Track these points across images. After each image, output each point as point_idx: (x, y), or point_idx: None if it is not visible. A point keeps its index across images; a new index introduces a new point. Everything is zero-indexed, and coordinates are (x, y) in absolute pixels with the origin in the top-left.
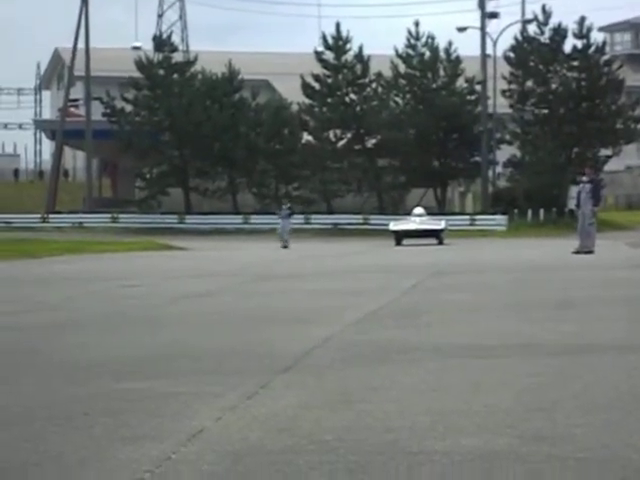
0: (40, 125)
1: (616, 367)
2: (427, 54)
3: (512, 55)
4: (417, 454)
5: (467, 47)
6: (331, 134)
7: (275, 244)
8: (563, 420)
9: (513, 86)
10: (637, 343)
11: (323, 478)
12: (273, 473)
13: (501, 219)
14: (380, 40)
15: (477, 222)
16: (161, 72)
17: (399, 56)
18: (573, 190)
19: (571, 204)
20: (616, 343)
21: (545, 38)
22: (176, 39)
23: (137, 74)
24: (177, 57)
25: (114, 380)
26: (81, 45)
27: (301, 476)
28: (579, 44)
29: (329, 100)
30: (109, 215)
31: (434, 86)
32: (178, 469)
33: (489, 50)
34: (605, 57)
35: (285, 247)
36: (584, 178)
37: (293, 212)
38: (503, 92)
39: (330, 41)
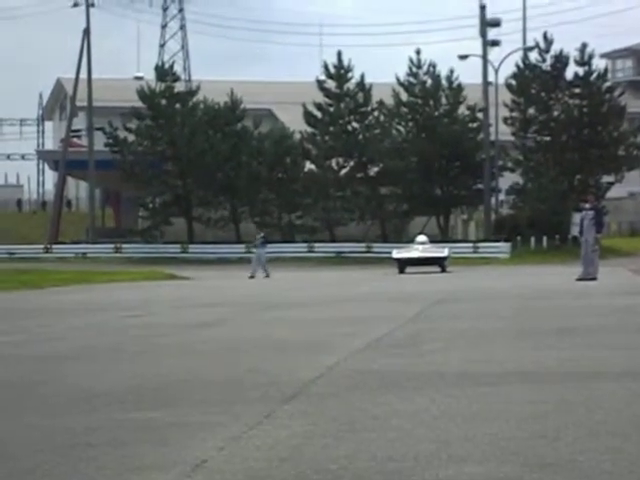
0: (43, 156)
1: (618, 394)
2: (429, 82)
3: (514, 82)
4: None
5: (469, 75)
6: (333, 162)
7: (280, 272)
8: (566, 447)
9: (515, 113)
10: (638, 370)
11: None
12: None
13: (504, 246)
14: (382, 68)
15: (480, 249)
16: (163, 102)
17: (401, 84)
18: (576, 217)
19: (574, 231)
20: (618, 370)
21: (547, 65)
22: (178, 69)
23: (139, 104)
24: (179, 87)
25: (118, 410)
26: (83, 75)
27: None
28: (581, 71)
29: (331, 128)
30: (112, 245)
31: (436, 114)
32: None
33: (491, 78)
34: (607, 84)
35: (254, 277)
36: (587, 205)
37: (267, 241)
38: (505, 119)
39: (332, 70)
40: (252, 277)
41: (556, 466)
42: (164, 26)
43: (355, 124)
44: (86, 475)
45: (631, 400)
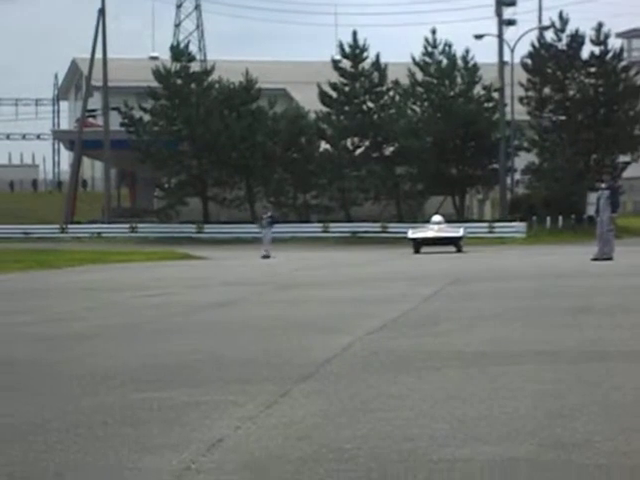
0: (58, 136)
1: (635, 374)
2: (444, 62)
3: (529, 62)
4: (437, 462)
5: (484, 54)
6: (348, 142)
7: (295, 252)
8: (583, 427)
9: (530, 93)
10: None
11: None
12: None
13: (520, 226)
14: (397, 48)
15: (496, 229)
16: (179, 82)
17: (416, 64)
18: (591, 197)
19: (590, 211)
20: (634, 350)
21: (562, 45)
22: (193, 48)
23: (155, 84)
24: (194, 66)
25: (134, 389)
26: (99, 55)
27: None
28: (596, 50)
29: (346, 108)
30: (128, 225)
31: (451, 94)
32: (198, 479)
33: (506, 57)
34: (623, 63)
35: (266, 257)
36: (603, 185)
37: (275, 221)
38: (520, 99)
39: (347, 49)
40: (267, 257)
41: (572, 446)
42: (179, 6)
43: (370, 104)
44: (101, 454)
45: None
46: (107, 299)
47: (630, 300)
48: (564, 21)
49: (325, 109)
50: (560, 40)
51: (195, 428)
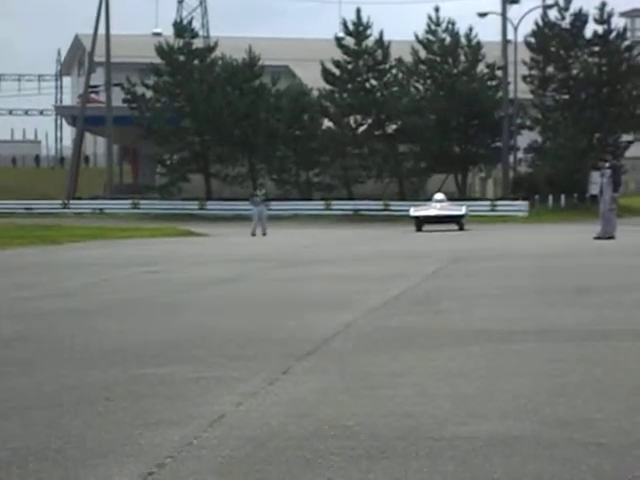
0: (61, 111)
1: (636, 353)
2: (448, 40)
3: (533, 40)
4: (438, 440)
5: (488, 32)
6: (351, 120)
7: (297, 230)
8: (584, 405)
9: (534, 72)
10: None
11: (344, 463)
12: (294, 458)
13: (522, 205)
14: (400, 26)
15: (498, 208)
16: (181, 58)
17: (419, 42)
18: (594, 176)
19: (592, 190)
20: (636, 328)
21: (566, 23)
22: (196, 25)
23: (157, 60)
24: (197, 43)
25: (136, 365)
26: (101, 31)
27: (322, 461)
28: (600, 29)
29: (349, 86)
30: (130, 201)
31: (455, 72)
32: (199, 454)
33: (510, 35)
34: (626, 43)
35: (256, 235)
36: (606, 164)
37: (269, 198)
38: (524, 78)
39: (350, 27)
40: (259, 235)
41: (574, 424)
42: None
43: (373, 81)
44: (103, 430)
45: None
46: (109, 275)
47: (631, 279)
48: (568, 0)
49: (328, 87)
50: (564, 19)
51: (197, 404)
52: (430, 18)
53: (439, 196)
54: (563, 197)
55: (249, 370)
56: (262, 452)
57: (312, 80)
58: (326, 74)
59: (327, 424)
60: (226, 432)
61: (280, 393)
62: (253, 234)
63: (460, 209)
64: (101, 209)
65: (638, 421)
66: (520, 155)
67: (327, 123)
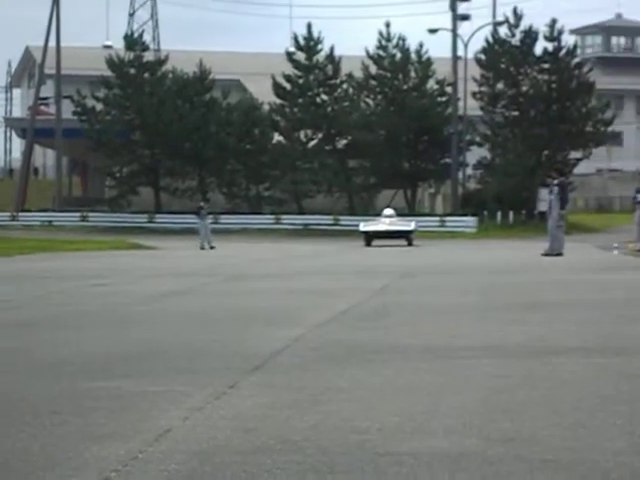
0: (10, 123)
1: (583, 369)
2: (398, 55)
3: (483, 57)
4: (384, 455)
5: (438, 49)
6: (302, 134)
7: (247, 244)
8: (530, 422)
9: (484, 88)
10: (604, 345)
11: (290, 478)
12: (240, 473)
13: (471, 221)
14: (351, 41)
15: (447, 223)
16: (132, 71)
17: (370, 57)
18: (542, 192)
19: (541, 206)
20: (583, 345)
21: (516, 40)
22: (147, 38)
23: (108, 73)
24: (148, 56)
25: (83, 378)
26: (52, 43)
27: (268, 476)
28: (550, 47)
29: (300, 100)
30: (79, 214)
31: (405, 87)
32: (145, 468)
33: (460, 52)
34: (576, 60)
35: (205, 248)
36: (554, 181)
37: (210, 212)
38: (474, 94)
39: (301, 42)
40: (209, 248)
41: (519, 441)
42: None
43: (324, 96)
44: (48, 443)
45: (596, 376)
46: (57, 288)
47: (578, 295)
48: (518, 17)
49: (279, 101)
50: (514, 36)
51: (143, 418)
52: (381, 34)
53: (388, 211)
54: (512, 213)
55: (196, 384)
56: (208, 466)
57: (263, 94)
58: (277, 88)
59: (273, 439)
60: (172, 446)
61: (227, 407)
62: (202, 247)
63: (409, 224)
64: (50, 221)
65: (583, 437)
66: (469, 171)
67: (278, 137)
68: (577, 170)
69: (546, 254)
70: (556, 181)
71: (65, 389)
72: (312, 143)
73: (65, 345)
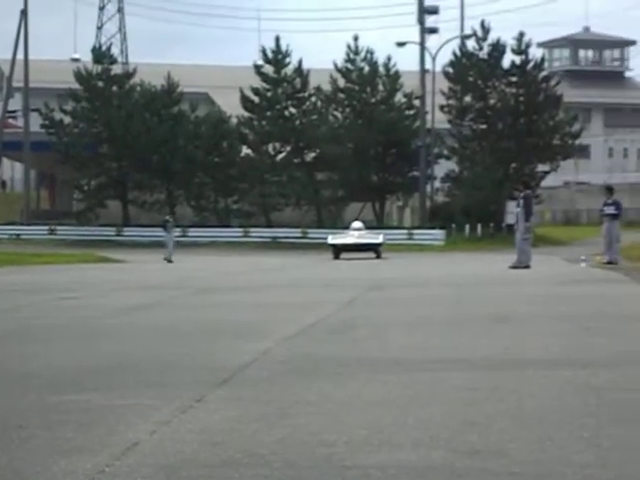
0: None
1: (550, 382)
2: (366, 69)
3: (451, 70)
4: (351, 468)
5: (406, 62)
6: (270, 147)
7: (215, 257)
8: (497, 435)
9: (451, 101)
10: (571, 358)
11: None
12: None
13: (439, 234)
14: (319, 54)
15: (415, 236)
16: (100, 84)
17: (338, 70)
18: (510, 205)
19: (509, 219)
20: (551, 358)
21: (484, 54)
22: (115, 51)
23: (76, 86)
24: (116, 69)
25: (51, 392)
26: (20, 56)
27: None
28: (517, 60)
29: (268, 113)
30: (47, 227)
31: (373, 100)
32: None
33: (428, 65)
34: (543, 73)
35: (169, 261)
36: (521, 194)
37: (178, 225)
38: (441, 107)
39: (270, 55)
40: (170, 261)
41: (486, 453)
42: (102, 8)
43: (292, 109)
44: (16, 457)
45: (563, 389)
46: (25, 301)
47: (545, 308)
48: (486, 30)
49: (247, 114)
50: (481, 49)
51: (111, 432)
52: (349, 47)
53: (357, 224)
54: (479, 226)
55: (164, 398)
56: None
57: (231, 107)
58: (245, 101)
59: (240, 452)
60: (139, 460)
61: (194, 421)
62: (170, 261)
63: (377, 237)
64: (18, 235)
65: (549, 450)
66: (437, 184)
67: (246, 150)
68: (545, 183)
69: (514, 267)
70: (522, 194)
71: (33, 403)
72: (280, 156)
73: (33, 358)
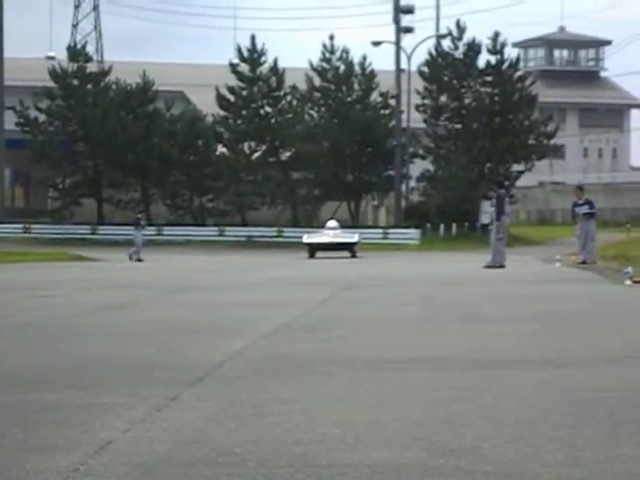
0: None
1: (524, 381)
2: (342, 68)
3: (426, 70)
4: (326, 467)
5: (382, 61)
6: (245, 146)
7: (190, 255)
8: (471, 434)
9: (427, 101)
10: (545, 358)
11: None
12: None
13: (414, 233)
14: (295, 53)
15: (390, 236)
16: (75, 82)
17: (314, 69)
18: (485, 205)
19: (484, 219)
20: (525, 357)
21: (459, 53)
22: (91, 49)
23: (51, 84)
24: (91, 67)
25: (25, 391)
26: None
27: None
28: (493, 60)
29: (244, 112)
30: (21, 225)
31: (348, 100)
32: None
33: (403, 65)
34: (519, 73)
35: (139, 260)
36: (495, 194)
37: (151, 224)
38: (417, 107)
39: (245, 53)
40: (139, 260)
41: (460, 452)
42: (77, 6)
43: (268, 108)
44: None
45: (537, 388)
46: None
47: (519, 308)
48: (461, 30)
49: (222, 113)
50: (457, 49)
51: (84, 430)
52: (325, 46)
53: (332, 223)
54: (454, 226)
55: (137, 397)
56: (149, 479)
57: (206, 106)
58: (220, 100)
59: (215, 451)
60: (113, 458)
61: (168, 420)
62: (140, 260)
63: (353, 237)
64: None
65: (523, 449)
66: (412, 184)
67: (221, 149)
68: (519, 183)
69: (488, 266)
70: (495, 193)
71: (5, 401)
72: (256, 155)
73: (6, 357)
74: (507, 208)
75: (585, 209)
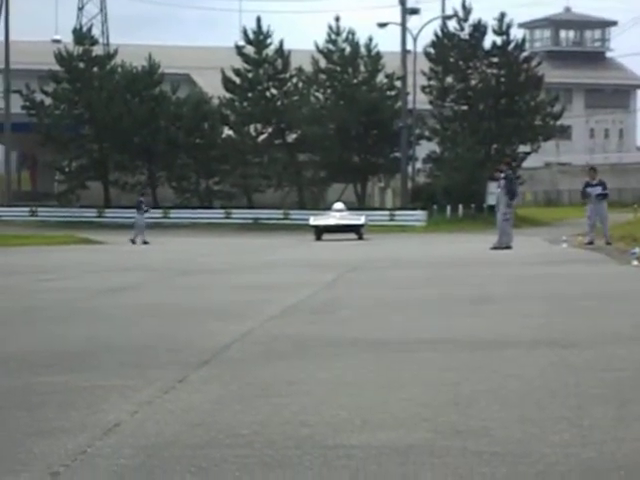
0: None
1: (531, 362)
2: (347, 49)
3: (432, 51)
4: (333, 448)
5: (388, 43)
6: (252, 129)
7: (196, 238)
8: (478, 415)
9: (433, 82)
10: (552, 338)
11: (239, 472)
12: (189, 467)
13: (420, 214)
14: (301, 35)
15: (396, 217)
16: (81, 65)
17: (320, 51)
18: (491, 186)
19: (490, 200)
20: (532, 338)
21: (465, 34)
22: (96, 32)
23: (57, 67)
24: (97, 50)
25: (31, 374)
26: (0, 38)
27: (217, 470)
28: (499, 40)
29: (250, 94)
30: (28, 209)
31: (354, 81)
32: (94, 463)
33: (409, 46)
34: (524, 54)
35: (145, 242)
36: (502, 175)
37: (156, 206)
38: (423, 88)
39: (251, 35)
40: (138, 242)
41: (467, 433)
42: None
43: (274, 90)
44: None
45: (544, 369)
46: (3, 283)
47: (525, 289)
48: (467, 11)
49: (228, 95)
50: (463, 30)
51: (91, 412)
52: (330, 28)
53: (338, 205)
54: (461, 207)
55: (145, 379)
56: (157, 461)
57: (212, 88)
58: (226, 82)
59: (222, 433)
60: (121, 441)
61: (176, 402)
62: (145, 242)
63: (359, 219)
64: None
65: (530, 430)
66: (419, 165)
67: (227, 131)
68: (526, 164)
69: (495, 247)
70: (503, 174)
71: (12, 384)
72: (262, 137)
73: (12, 340)
74: (518, 189)
75: (598, 190)
